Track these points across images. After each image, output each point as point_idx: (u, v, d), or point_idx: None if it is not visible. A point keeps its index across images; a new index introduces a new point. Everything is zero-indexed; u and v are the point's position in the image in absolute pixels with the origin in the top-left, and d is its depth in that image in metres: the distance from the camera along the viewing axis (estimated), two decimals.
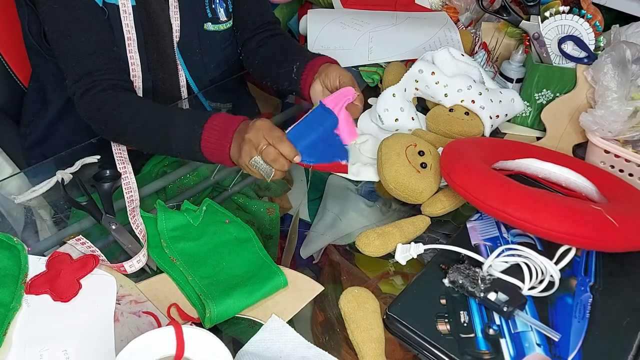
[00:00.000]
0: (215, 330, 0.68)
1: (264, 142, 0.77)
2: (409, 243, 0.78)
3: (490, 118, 0.99)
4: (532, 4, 1.03)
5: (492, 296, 0.67)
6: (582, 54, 1.02)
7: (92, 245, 0.76)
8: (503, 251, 0.72)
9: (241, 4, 1.09)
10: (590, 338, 0.65)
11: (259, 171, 0.79)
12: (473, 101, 0.99)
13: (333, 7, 1.38)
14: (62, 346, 0.64)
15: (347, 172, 0.87)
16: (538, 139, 1.08)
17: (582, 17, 1.02)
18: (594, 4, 1.18)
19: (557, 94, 1.04)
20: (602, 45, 1.02)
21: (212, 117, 0.82)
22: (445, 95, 1.00)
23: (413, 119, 1.01)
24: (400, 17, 1.30)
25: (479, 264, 0.72)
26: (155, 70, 1.02)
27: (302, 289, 0.74)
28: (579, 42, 1.02)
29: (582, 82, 0.99)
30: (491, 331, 0.66)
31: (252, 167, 0.79)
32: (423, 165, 0.87)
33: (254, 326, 0.69)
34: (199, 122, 0.82)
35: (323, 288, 0.74)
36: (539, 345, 0.64)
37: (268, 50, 1.09)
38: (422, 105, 1.07)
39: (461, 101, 0.99)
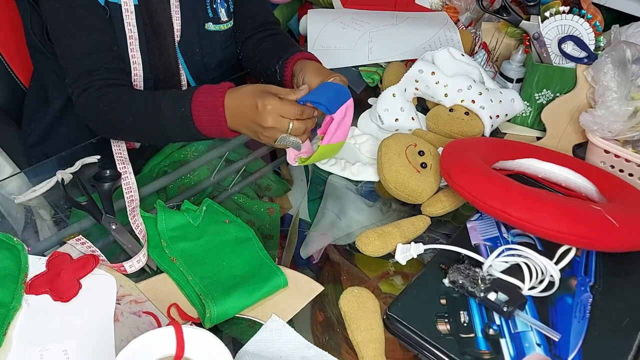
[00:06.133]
0: (215, 330, 0.68)
1: (286, 122, 0.80)
2: (409, 243, 0.78)
3: (490, 118, 0.99)
4: (532, 4, 1.03)
5: (492, 296, 0.67)
6: (582, 54, 1.02)
7: (92, 245, 0.76)
8: (503, 251, 0.72)
9: (242, 2, 1.09)
10: (590, 338, 0.65)
11: (287, 145, 0.83)
12: (473, 101, 0.99)
13: (333, 7, 1.38)
14: (62, 346, 0.64)
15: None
16: (538, 139, 1.08)
17: (582, 17, 1.02)
18: (594, 4, 1.18)
19: (557, 94, 1.04)
20: (602, 45, 1.02)
21: (195, 95, 0.83)
22: (445, 95, 1.00)
23: (413, 119, 1.01)
24: (400, 17, 1.30)
25: (479, 264, 0.72)
26: (157, 70, 1.02)
27: (302, 289, 0.74)
28: (579, 42, 1.02)
29: (582, 82, 0.99)
30: (491, 331, 0.66)
31: (280, 144, 0.82)
32: (423, 165, 0.87)
33: (254, 326, 0.69)
34: (185, 104, 0.83)
35: (323, 288, 0.74)
36: (539, 345, 0.64)
37: (264, 49, 1.08)
38: (422, 105, 1.07)
39: (461, 101, 0.99)
